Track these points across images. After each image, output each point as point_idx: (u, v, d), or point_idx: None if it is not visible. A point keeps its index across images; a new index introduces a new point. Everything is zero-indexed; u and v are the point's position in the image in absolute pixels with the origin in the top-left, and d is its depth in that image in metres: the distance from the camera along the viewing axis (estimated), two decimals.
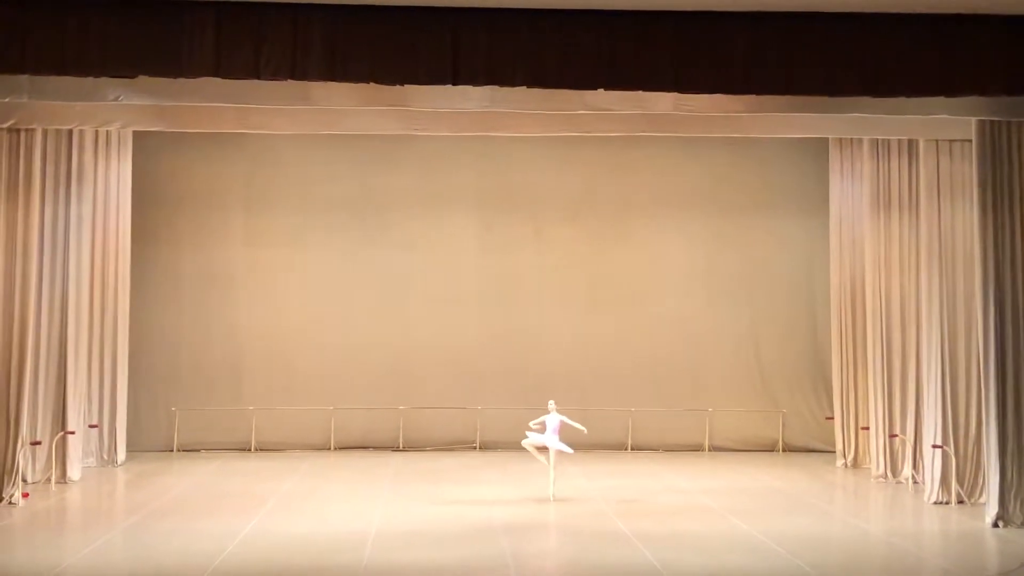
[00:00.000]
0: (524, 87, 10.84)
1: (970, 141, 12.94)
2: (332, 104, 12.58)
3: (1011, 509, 12.36)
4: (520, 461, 16.34)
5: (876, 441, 15.73)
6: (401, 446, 17.94)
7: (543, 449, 13.53)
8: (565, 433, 13.42)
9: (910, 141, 14.90)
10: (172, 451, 17.51)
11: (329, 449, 17.78)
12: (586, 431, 13.59)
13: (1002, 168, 12.60)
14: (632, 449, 18.01)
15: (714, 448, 18.17)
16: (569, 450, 13.53)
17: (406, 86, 11.12)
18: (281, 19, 10.29)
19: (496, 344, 18.37)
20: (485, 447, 17.90)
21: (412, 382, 18.20)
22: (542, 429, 13.48)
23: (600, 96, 11.71)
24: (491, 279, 18.58)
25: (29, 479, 14.08)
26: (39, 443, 14.28)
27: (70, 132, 14.58)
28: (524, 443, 13.71)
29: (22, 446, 13.35)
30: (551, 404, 13.56)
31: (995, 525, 12.29)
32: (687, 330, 18.55)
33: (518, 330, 18.46)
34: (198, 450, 17.54)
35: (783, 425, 18.38)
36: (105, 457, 16.32)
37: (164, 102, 12.57)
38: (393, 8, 10.39)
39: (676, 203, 18.78)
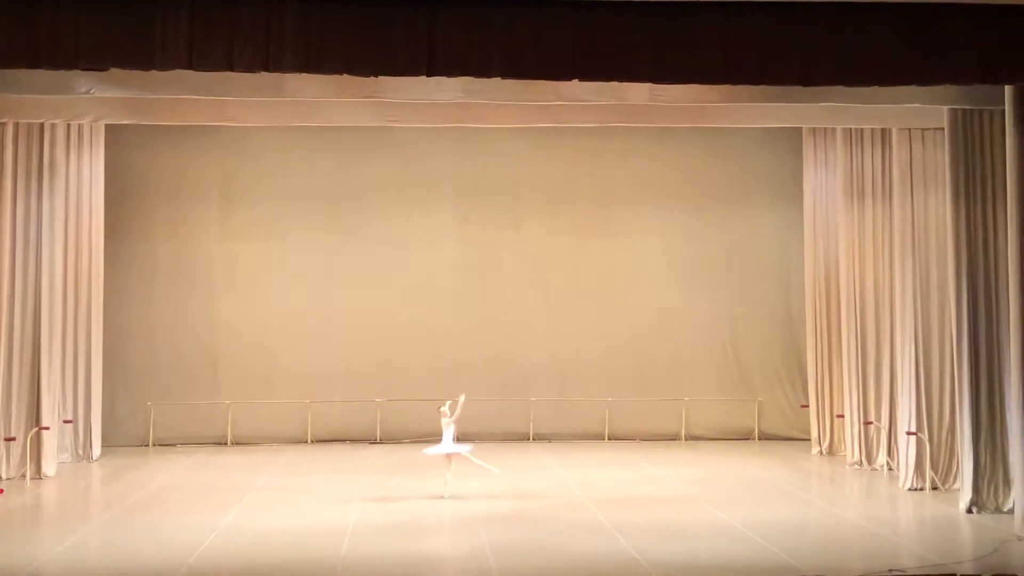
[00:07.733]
0: (499, 78, 10.82)
1: (943, 129, 13.01)
2: (307, 96, 12.52)
3: (984, 495, 12.45)
4: (498, 452, 16.37)
5: (851, 429, 15.81)
6: (379, 438, 17.92)
7: (448, 457, 13.28)
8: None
9: (883, 130, 14.93)
10: (148, 446, 17.42)
11: (306, 442, 17.74)
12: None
13: (974, 156, 12.64)
14: (610, 439, 18.07)
15: (691, 437, 18.23)
16: (466, 448, 13.36)
17: (381, 77, 11.07)
18: (254, 10, 10.20)
19: (474, 335, 18.35)
20: (463, 439, 17.79)
21: (390, 374, 18.16)
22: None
23: (575, 87, 11.71)
24: (469, 270, 18.55)
25: (3, 475, 14.00)
26: (13, 439, 14.20)
27: (41, 126, 14.44)
28: (427, 451, 13.46)
29: None
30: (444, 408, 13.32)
31: (969, 511, 12.39)
32: (664, 320, 18.60)
33: (496, 321, 18.45)
34: (174, 445, 17.45)
35: (759, 414, 18.47)
36: (80, 452, 16.22)
37: (137, 95, 12.49)
38: None
39: (653, 193, 18.80)
